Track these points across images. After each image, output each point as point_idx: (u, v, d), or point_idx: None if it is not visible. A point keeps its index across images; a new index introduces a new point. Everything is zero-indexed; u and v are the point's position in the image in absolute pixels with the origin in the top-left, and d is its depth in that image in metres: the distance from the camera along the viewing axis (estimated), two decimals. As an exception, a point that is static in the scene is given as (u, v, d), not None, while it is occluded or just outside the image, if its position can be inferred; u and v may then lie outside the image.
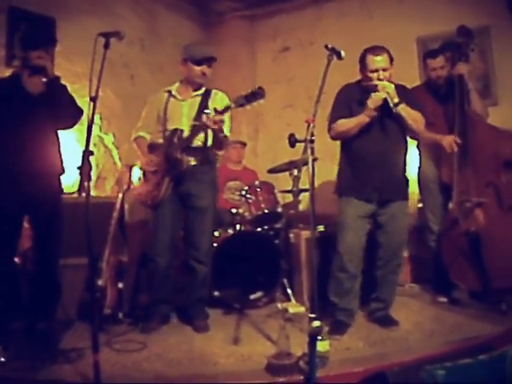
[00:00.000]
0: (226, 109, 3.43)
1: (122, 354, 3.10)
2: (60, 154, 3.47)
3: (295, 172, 4.42)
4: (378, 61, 3.38)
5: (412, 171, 4.39)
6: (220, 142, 3.67)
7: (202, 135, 3.64)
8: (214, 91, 3.78)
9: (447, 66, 4.14)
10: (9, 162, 3.23)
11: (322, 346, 2.72)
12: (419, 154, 4.30)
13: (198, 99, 3.73)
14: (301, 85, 6.17)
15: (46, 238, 3.39)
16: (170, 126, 3.70)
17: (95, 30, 2.83)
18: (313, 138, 2.82)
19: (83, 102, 3.65)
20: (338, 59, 3.10)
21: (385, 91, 3.31)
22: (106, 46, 2.79)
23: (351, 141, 3.52)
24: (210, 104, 3.68)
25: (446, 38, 4.60)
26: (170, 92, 3.79)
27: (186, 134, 3.62)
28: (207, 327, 3.66)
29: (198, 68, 3.68)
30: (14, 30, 4.34)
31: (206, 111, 3.46)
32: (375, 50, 3.41)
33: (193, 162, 3.64)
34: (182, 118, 3.70)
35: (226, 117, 3.57)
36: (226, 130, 3.69)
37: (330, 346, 2.84)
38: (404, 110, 3.34)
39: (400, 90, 3.42)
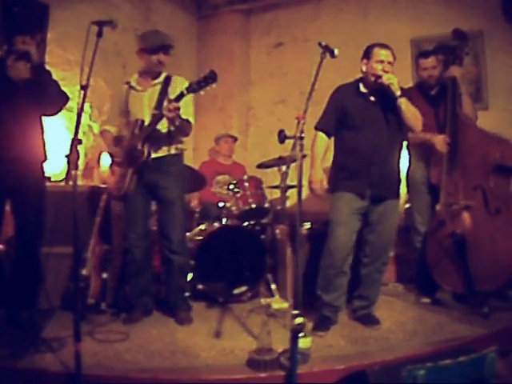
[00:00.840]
0: (180, 96, 3.39)
1: (103, 345, 3.10)
2: (43, 141, 3.44)
3: (283, 168, 4.44)
4: (384, 54, 3.40)
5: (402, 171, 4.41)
6: (182, 128, 3.60)
7: (165, 124, 3.59)
8: (174, 77, 3.73)
9: (439, 67, 4.16)
10: None
11: (303, 342, 2.73)
12: (408, 155, 4.31)
13: (158, 87, 3.66)
14: (294, 81, 6.17)
15: (27, 224, 3.36)
16: (133, 118, 3.68)
17: (89, 17, 2.82)
18: (302, 135, 2.83)
19: (74, 90, 3.64)
20: (331, 57, 3.11)
21: (389, 82, 3.33)
22: (99, 34, 2.77)
23: (346, 135, 3.54)
24: (170, 90, 3.63)
25: (439, 41, 4.62)
26: (129, 84, 3.76)
27: (146, 123, 3.59)
28: (190, 319, 3.66)
29: (154, 57, 3.63)
30: (8, 14, 4.30)
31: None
32: (382, 44, 3.45)
33: (154, 154, 3.63)
34: (144, 108, 3.66)
35: (185, 103, 3.52)
36: (190, 116, 3.66)
37: (311, 343, 2.86)
38: (405, 104, 3.37)
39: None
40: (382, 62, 3.39)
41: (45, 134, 3.46)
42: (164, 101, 3.54)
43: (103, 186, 3.92)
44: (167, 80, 3.70)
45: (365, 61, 3.47)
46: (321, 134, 3.57)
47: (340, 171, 3.57)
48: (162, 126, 3.61)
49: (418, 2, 5.45)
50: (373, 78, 3.40)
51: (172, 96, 3.50)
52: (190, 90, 3.35)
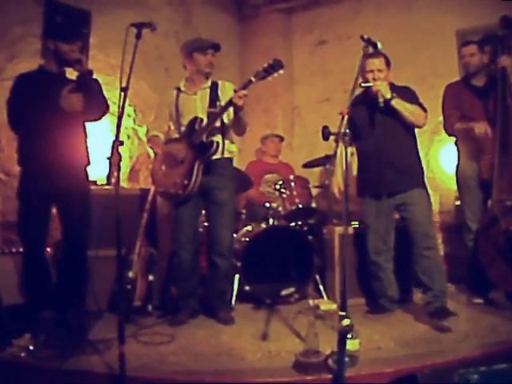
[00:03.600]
0: (248, 83, 3.45)
1: (149, 347, 3.10)
2: (86, 146, 3.55)
3: (328, 166, 4.41)
4: (371, 63, 3.56)
5: (450, 168, 4.28)
6: (240, 122, 3.67)
7: (219, 124, 3.69)
8: (220, 82, 3.82)
9: (478, 55, 4.05)
10: (37, 153, 3.31)
11: (351, 344, 2.66)
12: (457, 150, 4.17)
13: (207, 91, 3.75)
14: (337, 78, 6.07)
15: (73, 228, 3.46)
16: (185, 121, 3.73)
17: (130, 22, 2.83)
18: (347, 130, 2.76)
19: (117, 94, 3.67)
20: (374, 50, 3.04)
21: (376, 89, 3.47)
22: (138, 36, 2.81)
23: (357, 144, 3.81)
24: (220, 94, 3.74)
25: (485, 31, 4.46)
26: (178, 88, 3.81)
27: (205, 121, 3.64)
28: (232, 319, 3.66)
29: (205, 57, 3.70)
30: (51, 23, 4.39)
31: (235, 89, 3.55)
32: (372, 54, 3.51)
33: (219, 153, 3.69)
34: (197, 110, 3.72)
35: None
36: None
37: (360, 345, 2.78)
38: (398, 104, 3.51)
39: (401, 89, 3.64)
40: (371, 71, 3.57)
41: (88, 139, 3.55)
42: (217, 101, 3.68)
43: (160, 190, 3.86)
44: (214, 85, 3.79)
45: (362, 73, 3.61)
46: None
47: (359, 176, 3.88)
48: (217, 130, 3.70)
49: (463, -9, 5.28)
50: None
51: (223, 100, 3.65)
52: (258, 77, 3.44)
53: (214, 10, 6.26)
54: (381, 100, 3.44)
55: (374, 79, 3.55)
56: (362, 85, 3.54)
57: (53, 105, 3.28)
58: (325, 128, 2.92)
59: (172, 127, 3.86)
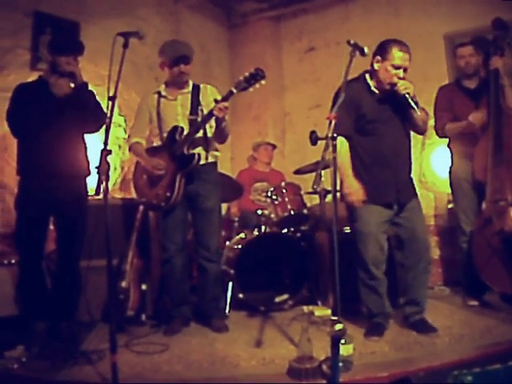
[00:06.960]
0: (229, 95, 3.42)
1: (142, 356, 3.08)
2: (86, 157, 3.57)
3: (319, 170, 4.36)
4: (402, 57, 3.22)
5: (442, 172, 4.27)
6: (222, 133, 3.68)
7: (200, 131, 3.64)
8: (202, 86, 3.79)
9: (476, 57, 4.06)
10: (37, 164, 3.34)
11: (345, 349, 2.65)
12: (450, 152, 4.17)
13: (189, 96, 3.73)
14: (327, 85, 6.04)
15: (69, 239, 3.47)
16: (167, 127, 3.70)
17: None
18: (334, 135, 2.72)
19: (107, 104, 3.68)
20: (361, 55, 3.00)
21: (406, 92, 3.17)
22: (125, 45, 2.82)
23: (364, 140, 3.37)
24: (202, 98, 3.72)
25: (473, 34, 4.48)
26: (159, 93, 3.77)
27: (186, 130, 3.62)
28: (226, 327, 3.64)
29: (175, 69, 3.66)
30: (39, 34, 4.44)
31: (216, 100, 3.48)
32: (402, 45, 3.25)
33: (203, 159, 3.65)
34: (178, 117, 3.70)
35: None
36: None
37: (354, 350, 2.76)
38: (419, 113, 3.25)
39: None
40: (398, 67, 3.24)
41: (87, 149, 3.58)
42: (198, 107, 3.66)
43: (142, 200, 3.84)
44: (196, 88, 3.76)
45: (378, 58, 3.30)
46: (341, 139, 3.22)
47: (363, 181, 3.31)
48: (199, 135, 3.65)
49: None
50: (388, 87, 3.29)
51: (204, 106, 3.63)
52: (239, 88, 3.39)
53: (203, 19, 6.29)
54: (413, 104, 3.16)
55: (399, 77, 3.23)
56: (387, 79, 3.27)
57: (52, 115, 3.32)
58: (312, 133, 2.89)
59: (154, 132, 3.82)
